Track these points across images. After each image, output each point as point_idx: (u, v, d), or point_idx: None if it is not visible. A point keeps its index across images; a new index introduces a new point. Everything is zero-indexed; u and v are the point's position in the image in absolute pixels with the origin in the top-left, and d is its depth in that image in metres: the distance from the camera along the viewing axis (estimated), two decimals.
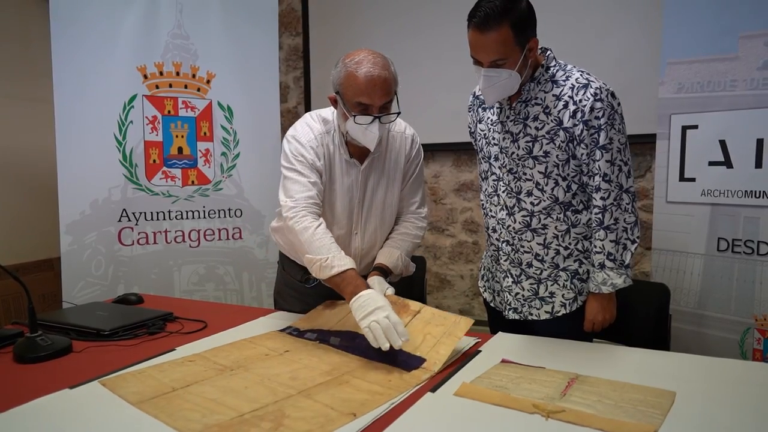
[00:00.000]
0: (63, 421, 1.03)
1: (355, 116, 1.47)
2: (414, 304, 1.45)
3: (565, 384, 1.14)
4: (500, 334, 1.48)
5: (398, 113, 1.53)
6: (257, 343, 1.43)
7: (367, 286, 1.38)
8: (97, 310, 1.73)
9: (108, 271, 2.47)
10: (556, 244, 1.50)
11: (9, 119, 2.97)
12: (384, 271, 1.60)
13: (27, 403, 1.10)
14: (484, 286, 1.72)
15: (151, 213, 2.57)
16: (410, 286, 2.16)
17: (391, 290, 1.51)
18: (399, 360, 1.26)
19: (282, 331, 1.54)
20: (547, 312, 1.53)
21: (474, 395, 1.11)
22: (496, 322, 1.67)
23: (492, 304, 1.68)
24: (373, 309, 1.28)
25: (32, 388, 1.16)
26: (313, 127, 1.60)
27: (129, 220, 2.52)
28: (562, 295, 1.51)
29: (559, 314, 1.52)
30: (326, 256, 1.42)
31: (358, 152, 1.61)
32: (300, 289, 1.72)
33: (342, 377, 1.19)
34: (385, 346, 1.23)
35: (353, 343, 1.36)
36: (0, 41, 2.95)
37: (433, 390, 1.15)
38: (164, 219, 2.59)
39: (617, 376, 1.18)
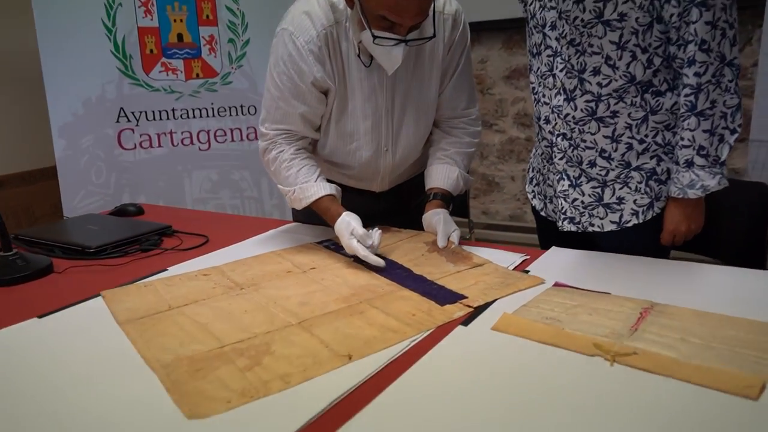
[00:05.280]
0: (28, 353, 0.93)
1: (374, 35, 1.17)
2: (478, 258, 1.27)
3: (636, 315, 0.93)
4: (553, 249, 1.29)
5: (432, 37, 1.26)
6: (285, 257, 1.33)
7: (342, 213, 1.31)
8: (89, 223, 1.58)
9: (110, 178, 2.36)
10: (629, 137, 1.24)
11: None
12: (446, 200, 1.40)
13: None
14: (534, 191, 1.50)
15: (153, 112, 2.39)
16: None
17: (456, 234, 1.32)
18: (435, 293, 1.08)
19: (319, 243, 1.41)
20: (613, 222, 1.30)
21: (517, 330, 0.90)
22: (547, 234, 1.47)
23: (543, 213, 1.47)
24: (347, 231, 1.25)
25: (2, 315, 1.07)
26: (316, 17, 1.26)
27: (128, 121, 2.36)
28: (634, 201, 1.28)
29: (629, 224, 1.29)
30: (292, 188, 1.35)
31: None
32: None
33: (359, 306, 1.04)
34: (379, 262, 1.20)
35: (389, 265, 1.23)
36: None
37: (465, 323, 0.94)
38: (168, 118, 2.42)
39: (707, 304, 0.96)
